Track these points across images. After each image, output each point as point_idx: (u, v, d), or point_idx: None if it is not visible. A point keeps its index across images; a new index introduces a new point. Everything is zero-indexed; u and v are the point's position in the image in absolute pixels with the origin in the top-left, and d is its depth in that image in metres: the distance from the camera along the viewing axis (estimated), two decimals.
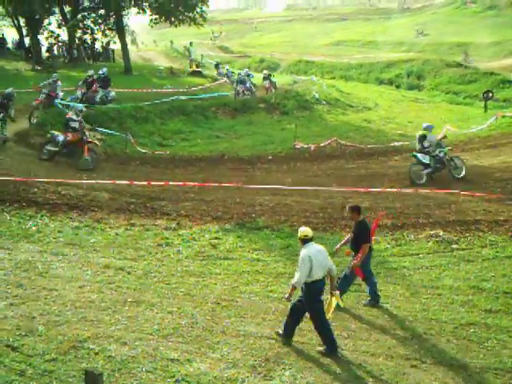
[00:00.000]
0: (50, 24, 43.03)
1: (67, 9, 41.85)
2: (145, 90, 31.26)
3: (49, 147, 19.85)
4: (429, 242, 13.12)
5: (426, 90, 44.15)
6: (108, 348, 8.38)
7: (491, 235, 13.40)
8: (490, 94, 34.84)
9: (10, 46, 46.64)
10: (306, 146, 24.42)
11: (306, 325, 9.19)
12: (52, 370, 7.73)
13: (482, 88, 38.42)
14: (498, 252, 12.42)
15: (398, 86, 46.18)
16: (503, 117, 29.62)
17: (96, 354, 8.22)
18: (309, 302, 8.63)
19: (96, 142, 21.16)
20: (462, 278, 11.18)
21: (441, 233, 13.48)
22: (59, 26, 42.90)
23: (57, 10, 41.79)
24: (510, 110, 31.78)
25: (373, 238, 10.41)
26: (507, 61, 50.09)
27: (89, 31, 42.93)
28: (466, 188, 17.33)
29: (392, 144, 25.12)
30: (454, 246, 12.82)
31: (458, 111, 35.50)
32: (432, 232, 13.58)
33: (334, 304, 8.89)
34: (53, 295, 10.07)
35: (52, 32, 43.12)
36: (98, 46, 46.33)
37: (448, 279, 11.17)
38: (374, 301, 10.21)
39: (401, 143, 25.15)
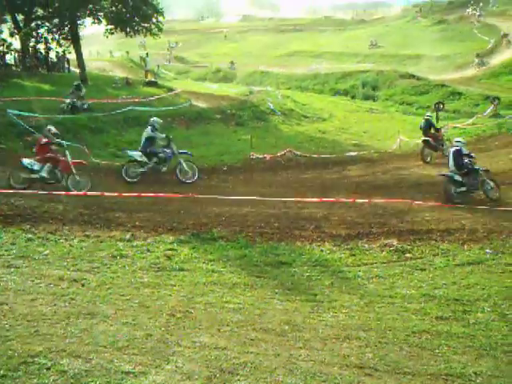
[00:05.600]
0: (1, 32, 42.23)
1: (20, 17, 41.14)
2: (102, 101, 30.94)
3: None
4: (383, 251, 13.32)
5: (380, 101, 45.02)
6: (60, 362, 8.22)
7: (443, 244, 13.71)
8: (441, 106, 35.71)
9: None
10: (261, 156, 24.53)
11: (262, 335, 9.23)
12: None
13: (433, 99, 39.37)
14: (449, 260, 12.69)
15: (353, 97, 46.89)
16: (454, 127, 30.35)
17: (48, 368, 8.04)
18: None
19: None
20: (414, 287, 11.37)
21: (395, 242, 13.72)
22: (11, 35, 42.09)
23: (8, 18, 41.07)
24: (460, 121, 32.59)
25: None
26: (457, 74, 51.49)
27: (42, 40, 42.31)
28: (419, 197, 17.74)
29: (347, 154, 25.45)
30: (408, 255, 13.04)
31: (411, 121, 36.12)
32: (386, 241, 13.81)
33: None
34: (3, 309, 9.80)
35: (4, 40, 42.25)
36: (52, 55, 45.60)
37: (401, 288, 11.34)
38: None
39: (356, 153, 25.51)
